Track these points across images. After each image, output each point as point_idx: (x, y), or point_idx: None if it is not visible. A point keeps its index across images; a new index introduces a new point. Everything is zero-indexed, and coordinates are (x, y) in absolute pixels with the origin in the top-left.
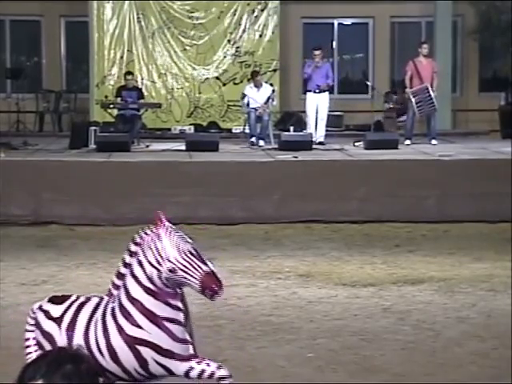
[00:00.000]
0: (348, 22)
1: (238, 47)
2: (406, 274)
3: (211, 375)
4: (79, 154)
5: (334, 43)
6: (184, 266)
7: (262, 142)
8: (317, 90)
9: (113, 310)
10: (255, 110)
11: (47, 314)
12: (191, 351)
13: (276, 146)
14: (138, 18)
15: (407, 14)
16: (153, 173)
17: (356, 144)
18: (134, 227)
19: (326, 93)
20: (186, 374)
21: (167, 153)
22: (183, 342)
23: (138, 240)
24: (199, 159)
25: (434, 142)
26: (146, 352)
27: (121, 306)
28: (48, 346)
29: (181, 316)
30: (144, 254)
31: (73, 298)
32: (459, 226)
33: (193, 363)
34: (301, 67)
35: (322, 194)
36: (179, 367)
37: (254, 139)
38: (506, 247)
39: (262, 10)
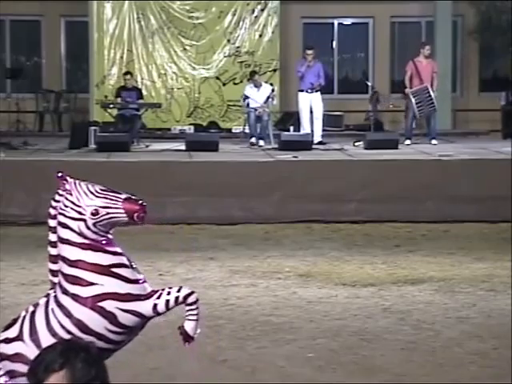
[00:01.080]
0: (348, 21)
1: (238, 47)
2: (406, 273)
3: (177, 300)
4: (79, 154)
5: (334, 43)
6: (102, 202)
7: (261, 142)
8: (309, 90)
9: (60, 286)
10: (255, 110)
11: (6, 340)
12: (149, 289)
13: (276, 146)
14: (138, 17)
15: (407, 13)
16: (153, 173)
17: (356, 144)
18: (134, 227)
19: (318, 92)
20: (156, 312)
21: (167, 153)
22: (137, 282)
23: (52, 211)
24: (199, 159)
25: (434, 141)
26: (109, 305)
27: (65, 276)
28: (21, 367)
29: (124, 259)
30: (64, 216)
31: (22, 313)
32: (459, 226)
33: (154, 299)
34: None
35: (322, 194)
36: (145, 307)
37: (253, 139)
38: (506, 247)
39: (262, 10)
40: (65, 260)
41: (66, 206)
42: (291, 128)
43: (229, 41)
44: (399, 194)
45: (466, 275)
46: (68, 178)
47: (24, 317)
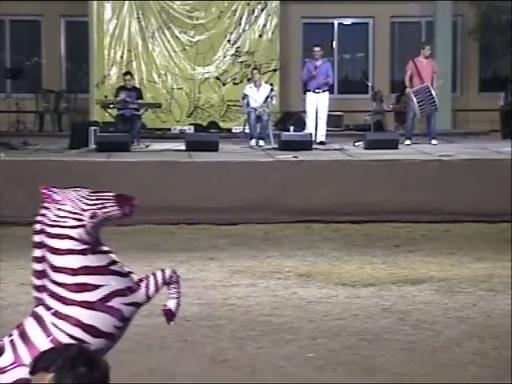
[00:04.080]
0: (348, 21)
1: (238, 47)
2: (406, 273)
3: (164, 281)
4: (79, 154)
5: (334, 43)
6: (97, 203)
7: (262, 142)
8: (316, 90)
9: (59, 299)
10: (255, 109)
11: (1, 370)
12: (136, 279)
13: (276, 146)
14: (138, 17)
15: (407, 13)
16: (153, 173)
17: (356, 144)
18: (134, 227)
19: (326, 92)
20: (148, 297)
21: (167, 153)
22: (127, 275)
23: (38, 226)
24: (199, 159)
25: (434, 141)
26: (116, 302)
27: (68, 286)
28: None
29: (112, 256)
30: (60, 227)
31: (6, 339)
32: (459, 226)
33: (144, 286)
34: (301, 67)
35: (322, 194)
36: (140, 295)
37: (253, 142)
38: (506, 247)
39: (262, 10)
40: (65, 270)
41: (62, 217)
42: (291, 128)
43: (229, 41)
44: (399, 194)
45: (466, 275)
46: (55, 190)
47: (13, 342)
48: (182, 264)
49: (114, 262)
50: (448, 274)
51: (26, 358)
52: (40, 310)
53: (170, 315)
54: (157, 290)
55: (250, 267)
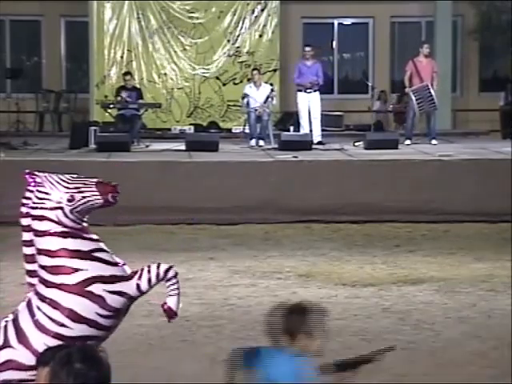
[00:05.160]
0: (348, 21)
1: (238, 47)
2: (406, 273)
3: (158, 276)
4: (79, 154)
5: (334, 43)
6: (76, 187)
7: (262, 142)
8: (307, 90)
9: (42, 282)
10: (255, 110)
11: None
12: (129, 271)
13: (276, 146)
14: (138, 17)
15: (407, 13)
16: (153, 173)
17: (356, 144)
18: (134, 227)
19: (317, 92)
20: (140, 291)
21: (167, 153)
22: (117, 264)
23: (24, 210)
24: (199, 159)
25: (434, 141)
26: (96, 288)
27: (48, 268)
28: (15, 374)
29: (102, 245)
30: (40, 208)
31: (2, 323)
32: (459, 226)
33: (136, 278)
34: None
35: (322, 194)
36: (130, 286)
37: (253, 142)
38: (506, 247)
39: (262, 10)
40: (46, 252)
41: (41, 199)
42: (291, 128)
43: (229, 41)
44: (399, 194)
45: (466, 275)
46: (37, 173)
47: (5, 326)
48: (181, 264)
49: (100, 250)
50: (448, 274)
51: (13, 340)
52: (31, 294)
53: (170, 313)
54: (150, 284)
55: (250, 267)
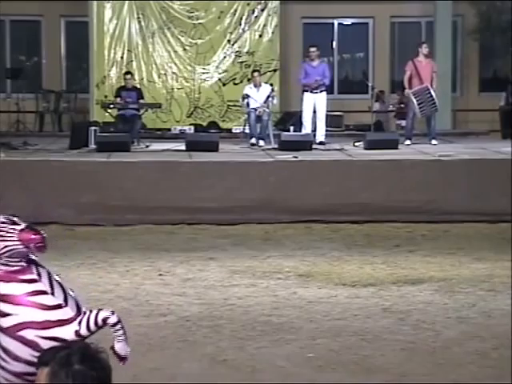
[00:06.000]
0: (348, 22)
1: (238, 47)
2: (406, 273)
3: (96, 323)
4: (79, 154)
5: (334, 43)
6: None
7: (261, 142)
8: (314, 90)
9: None
10: (255, 110)
11: None
12: (72, 314)
13: (276, 146)
14: (138, 18)
15: (407, 13)
16: (153, 173)
17: (356, 144)
18: (134, 227)
19: (324, 93)
20: (79, 335)
21: (167, 153)
22: (56, 308)
23: None
24: (199, 159)
25: (434, 141)
26: (28, 333)
27: None
28: None
29: (41, 286)
30: None
31: None
32: (459, 226)
33: (76, 324)
34: (300, 68)
35: (322, 194)
36: (67, 332)
37: (253, 139)
38: (506, 247)
39: (262, 10)
40: None
41: None
42: (291, 128)
43: (229, 41)
44: (399, 194)
45: (466, 275)
46: None
47: None
48: (181, 264)
49: (37, 293)
50: (448, 274)
51: None
52: None
53: (118, 357)
54: (89, 330)
55: (250, 267)
